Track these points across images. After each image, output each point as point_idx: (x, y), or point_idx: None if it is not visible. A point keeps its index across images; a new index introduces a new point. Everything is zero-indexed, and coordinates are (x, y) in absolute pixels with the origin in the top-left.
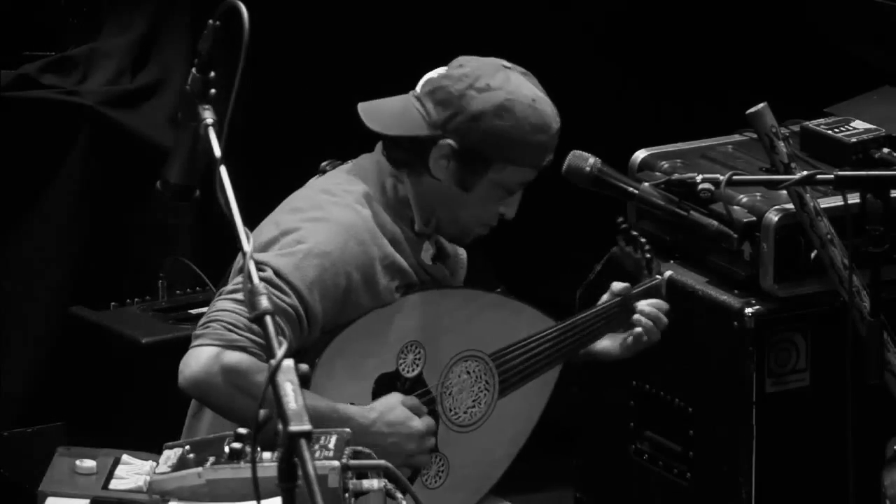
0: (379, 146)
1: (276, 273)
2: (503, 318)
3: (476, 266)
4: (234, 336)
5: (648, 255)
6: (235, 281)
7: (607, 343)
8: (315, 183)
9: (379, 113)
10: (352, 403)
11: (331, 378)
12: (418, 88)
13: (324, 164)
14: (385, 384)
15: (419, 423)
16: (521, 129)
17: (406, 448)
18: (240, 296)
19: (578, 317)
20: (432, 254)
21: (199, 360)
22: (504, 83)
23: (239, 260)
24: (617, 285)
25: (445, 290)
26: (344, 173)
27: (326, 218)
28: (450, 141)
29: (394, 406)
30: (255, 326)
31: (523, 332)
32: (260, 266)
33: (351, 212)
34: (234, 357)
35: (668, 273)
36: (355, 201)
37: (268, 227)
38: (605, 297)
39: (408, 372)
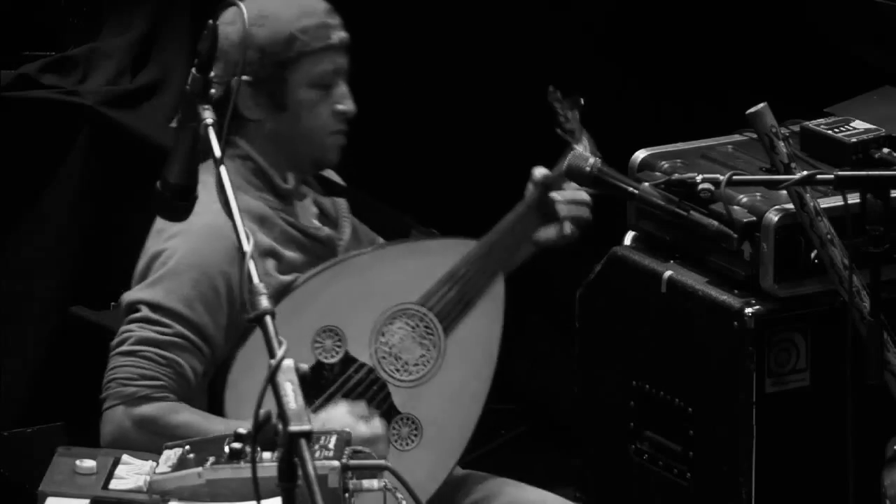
0: None
1: (151, 306)
2: (419, 262)
3: (383, 212)
4: (132, 389)
5: (572, 126)
6: (119, 332)
7: (550, 231)
8: None
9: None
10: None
11: (243, 400)
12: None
13: None
14: (309, 380)
15: (365, 429)
16: (284, 22)
17: None
18: (125, 347)
19: (500, 224)
20: (316, 213)
21: (110, 422)
22: (248, 6)
23: (125, 298)
24: (537, 172)
25: (338, 266)
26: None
27: (185, 229)
28: (242, 78)
29: (339, 416)
30: (148, 371)
31: (447, 265)
32: (134, 307)
33: (206, 212)
34: (140, 410)
35: (584, 152)
36: (211, 198)
37: (141, 256)
38: (529, 187)
39: (330, 357)
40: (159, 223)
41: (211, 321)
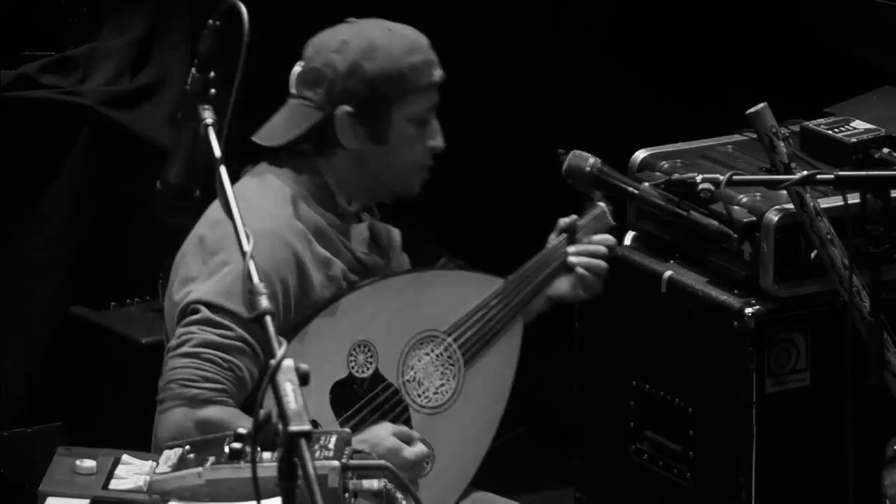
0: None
1: (212, 308)
2: (450, 292)
3: (416, 239)
4: (195, 391)
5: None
6: (178, 333)
7: (563, 284)
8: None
9: (269, 129)
10: (314, 420)
11: None
12: (292, 89)
13: (246, 167)
14: (341, 391)
15: (409, 453)
16: (395, 58)
17: None
18: (186, 348)
19: (526, 266)
20: (367, 238)
21: (170, 422)
22: (356, 32)
23: (171, 300)
24: (563, 221)
25: (381, 283)
26: (258, 176)
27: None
28: (344, 108)
29: (383, 437)
30: (210, 374)
31: (474, 299)
32: (193, 308)
33: (268, 217)
34: (203, 413)
35: (605, 206)
36: (273, 204)
37: (192, 248)
38: (552, 236)
39: (361, 372)
40: (215, 213)
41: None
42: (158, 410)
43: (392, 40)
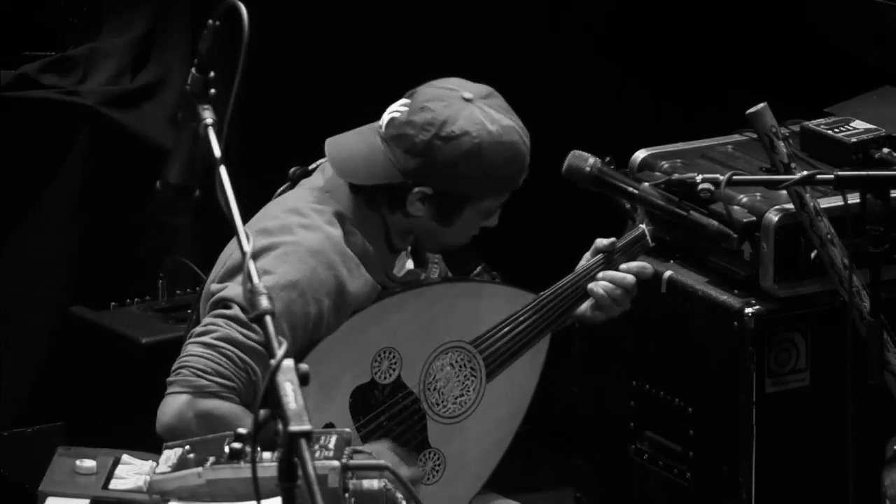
0: None
1: (244, 309)
2: (480, 304)
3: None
4: (204, 382)
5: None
6: (204, 322)
7: (584, 305)
8: (285, 199)
9: (348, 159)
10: (330, 423)
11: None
12: (383, 127)
13: (293, 169)
14: (362, 396)
15: (405, 472)
16: (493, 167)
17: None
18: (207, 338)
19: (559, 285)
20: (408, 251)
21: (172, 407)
22: (468, 124)
23: (208, 290)
24: (600, 241)
25: (413, 291)
26: (315, 190)
27: (294, 242)
28: (425, 189)
29: (381, 453)
30: (223, 370)
31: (504, 313)
32: (226, 303)
33: (320, 235)
34: (206, 404)
35: (648, 227)
36: (326, 221)
37: (237, 248)
38: (587, 254)
39: (384, 378)
40: (264, 221)
41: (290, 340)
42: (166, 392)
43: (498, 149)
